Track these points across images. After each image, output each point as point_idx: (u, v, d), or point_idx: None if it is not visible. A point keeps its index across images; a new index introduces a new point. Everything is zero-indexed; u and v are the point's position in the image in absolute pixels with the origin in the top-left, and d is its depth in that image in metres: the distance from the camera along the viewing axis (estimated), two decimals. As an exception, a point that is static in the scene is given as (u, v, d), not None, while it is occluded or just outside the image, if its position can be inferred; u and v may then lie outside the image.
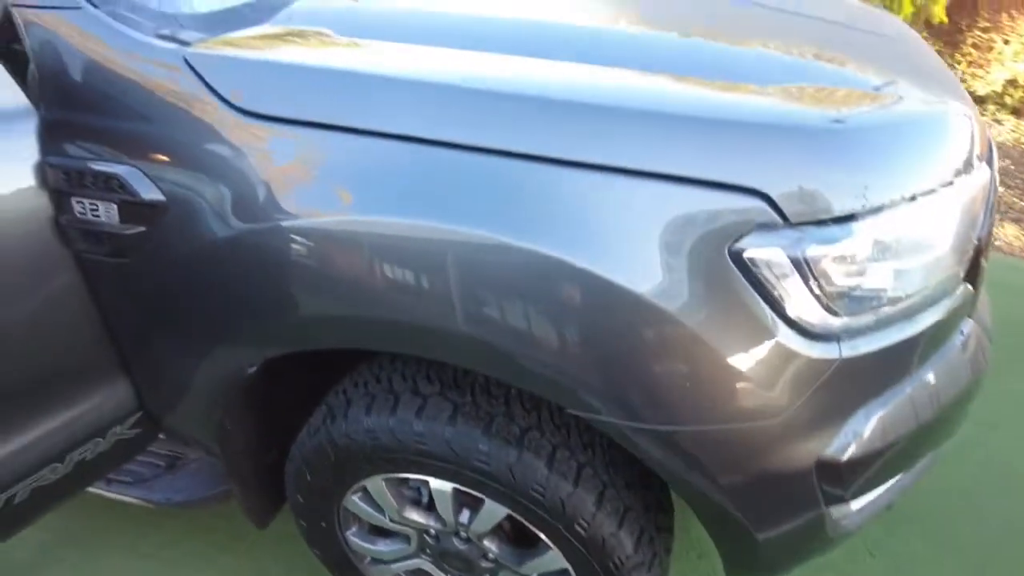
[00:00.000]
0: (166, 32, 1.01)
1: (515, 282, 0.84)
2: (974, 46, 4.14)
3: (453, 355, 0.96)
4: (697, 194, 0.81)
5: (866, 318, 0.88)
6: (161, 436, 1.41)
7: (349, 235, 0.91)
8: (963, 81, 4.02)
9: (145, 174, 0.99)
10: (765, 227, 0.81)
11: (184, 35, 1.01)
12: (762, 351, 0.84)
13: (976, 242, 1.00)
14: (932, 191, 0.91)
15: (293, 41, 1.03)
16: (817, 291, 0.84)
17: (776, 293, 0.83)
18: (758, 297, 0.82)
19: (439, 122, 0.86)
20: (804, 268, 0.82)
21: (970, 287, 1.03)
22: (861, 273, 0.85)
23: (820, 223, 0.82)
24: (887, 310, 0.90)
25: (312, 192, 0.93)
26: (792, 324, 0.84)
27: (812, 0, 1.49)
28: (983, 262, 1.04)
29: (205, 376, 1.13)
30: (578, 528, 1.06)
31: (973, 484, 1.89)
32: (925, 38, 4.18)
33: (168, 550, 1.71)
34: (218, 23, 1.07)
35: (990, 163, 1.06)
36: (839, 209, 0.83)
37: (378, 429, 1.10)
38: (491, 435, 1.05)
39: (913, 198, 0.88)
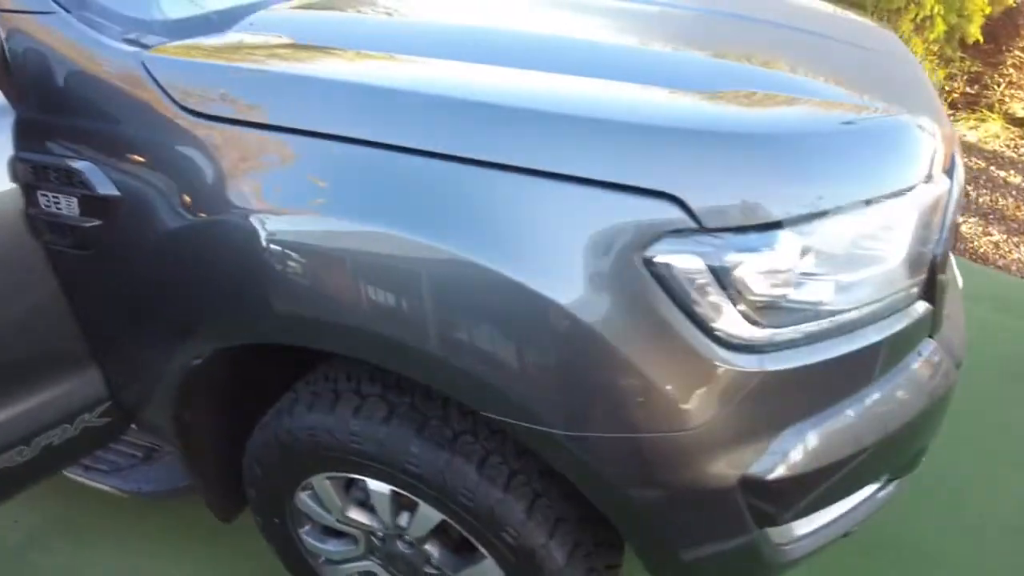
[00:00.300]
0: (132, 36, 1.06)
1: (426, 281, 0.85)
2: (1014, 66, 3.98)
3: (370, 353, 0.97)
4: (610, 198, 0.79)
5: (795, 331, 0.85)
6: (133, 427, 1.46)
7: (276, 231, 0.93)
8: (1002, 102, 3.87)
9: (102, 170, 1.04)
10: (679, 233, 0.79)
11: (148, 40, 1.06)
12: (677, 360, 0.82)
13: (932, 258, 0.95)
14: (873, 202, 0.87)
15: (249, 47, 1.07)
16: (737, 301, 0.81)
17: (692, 301, 0.80)
18: (673, 305, 0.80)
19: (360, 122, 0.88)
20: (722, 276, 0.80)
21: (928, 305, 0.99)
22: (787, 284, 0.82)
23: (740, 230, 0.80)
24: (821, 324, 0.86)
25: (249, 190, 0.96)
26: (710, 334, 0.81)
27: (797, 12, 1.47)
28: (942, 279, 0.99)
29: (159, 367, 1.17)
30: (506, 536, 1.04)
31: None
32: (961, 59, 4.05)
33: (151, 541, 1.75)
34: (185, 29, 1.12)
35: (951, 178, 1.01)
36: (762, 217, 0.80)
37: (317, 427, 1.12)
38: (423, 437, 1.04)
39: (849, 208, 0.85)
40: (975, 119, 3.99)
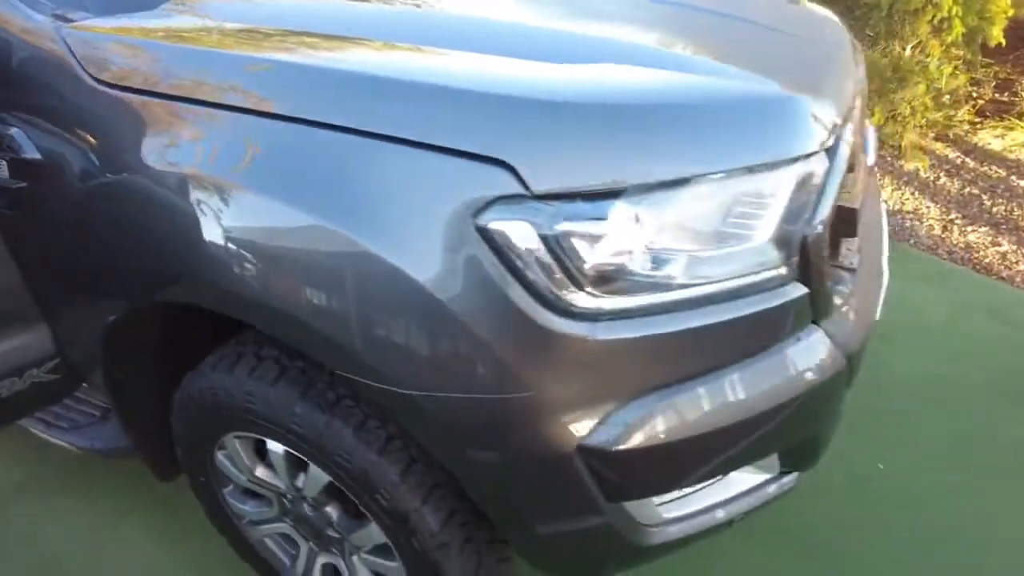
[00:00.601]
0: (60, 12, 1.15)
1: (283, 242, 0.89)
2: (1047, 73, 3.78)
3: (245, 314, 1.02)
4: (446, 163, 0.82)
5: (632, 301, 0.85)
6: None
7: (166, 194, 0.99)
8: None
9: (27, 135, 1.13)
10: (510, 199, 0.81)
11: (76, 16, 1.15)
12: (511, 325, 0.83)
13: (803, 239, 0.93)
14: (728, 176, 0.87)
15: (162, 25, 1.14)
16: (569, 269, 0.82)
17: (524, 267, 0.82)
18: (505, 271, 0.82)
19: (236, 91, 0.93)
20: (553, 244, 0.81)
21: (804, 289, 0.97)
22: (622, 254, 0.83)
23: (572, 199, 0.81)
24: (664, 296, 0.86)
25: (147, 155, 1.02)
26: (542, 300, 0.82)
27: None
28: (818, 262, 0.96)
29: (86, 324, 1.25)
30: (380, 499, 1.07)
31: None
32: (984, 64, 3.87)
33: (116, 497, 1.85)
34: (115, 6, 1.20)
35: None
36: (595, 186, 0.81)
37: (219, 386, 1.17)
38: (307, 400, 1.09)
39: (697, 181, 0.85)
40: (1003, 127, 3.81)
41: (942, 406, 2.07)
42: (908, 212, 3.27)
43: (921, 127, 3.77)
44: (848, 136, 1.03)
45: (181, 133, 0.99)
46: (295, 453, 1.17)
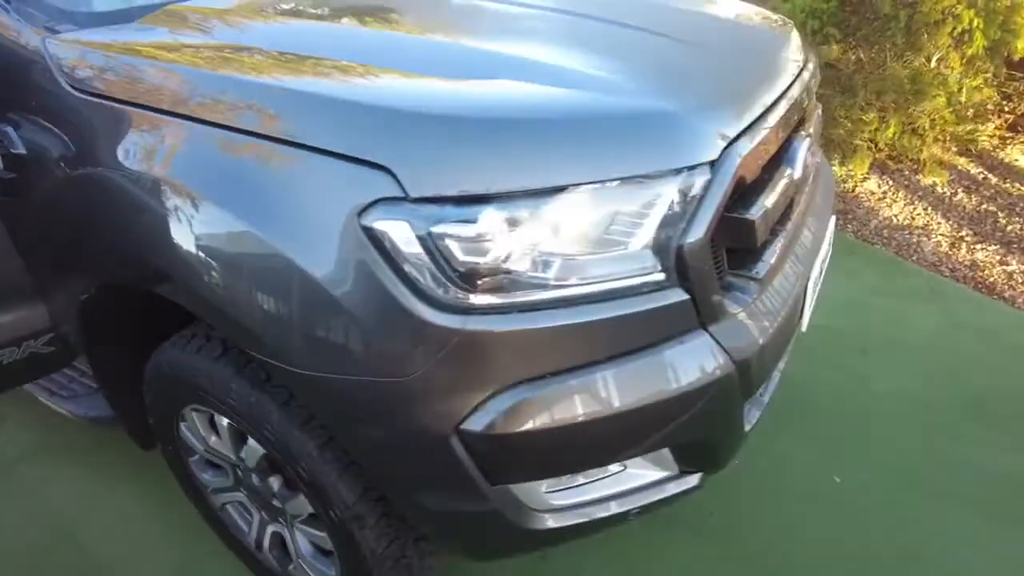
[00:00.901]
0: (51, 25, 1.29)
1: (197, 232, 1.01)
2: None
3: (180, 296, 1.13)
4: (336, 166, 0.92)
5: (504, 297, 0.92)
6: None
7: (120, 188, 1.13)
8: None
9: (17, 132, 1.28)
10: (390, 201, 0.89)
11: (63, 28, 1.29)
12: (391, 316, 0.92)
13: (679, 248, 0.99)
14: (601, 186, 0.94)
15: (129, 40, 1.27)
16: (443, 266, 0.90)
17: (401, 263, 0.90)
18: (385, 265, 0.91)
19: (176, 100, 1.06)
20: (428, 243, 0.90)
21: (685, 295, 1.02)
22: (493, 254, 0.90)
23: (445, 202, 0.89)
24: (536, 294, 0.93)
25: (107, 153, 1.16)
26: (418, 293, 0.91)
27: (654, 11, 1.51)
28: (698, 271, 1.01)
29: (67, 301, 1.40)
30: (302, 471, 1.17)
31: None
32: (1011, 76, 3.74)
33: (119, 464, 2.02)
34: (99, 20, 1.34)
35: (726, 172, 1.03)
36: (467, 191, 0.89)
37: (175, 361, 1.30)
38: (242, 376, 1.20)
39: (571, 189, 0.92)
40: (1032, 142, 3.68)
41: (911, 423, 2.05)
42: (917, 227, 3.20)
43: (943, 141, 3.68)
44: (748, 147, 1.07)
45: (129, 134, 1.13)
46: (236, 426, 1.29)
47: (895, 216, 3.32)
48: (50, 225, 1.31)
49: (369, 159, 0.90)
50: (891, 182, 3.60)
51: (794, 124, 1.33)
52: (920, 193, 3.48)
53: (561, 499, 1.09)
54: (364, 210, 0.90)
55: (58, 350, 1.68)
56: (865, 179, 3.64)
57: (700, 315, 1.05)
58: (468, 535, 1.12)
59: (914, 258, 2.97)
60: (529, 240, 0.92)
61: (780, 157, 1.30)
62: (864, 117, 3.57)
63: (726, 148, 1.03)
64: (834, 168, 3.73)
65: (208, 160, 1.01)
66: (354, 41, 1.19)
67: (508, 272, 0.92)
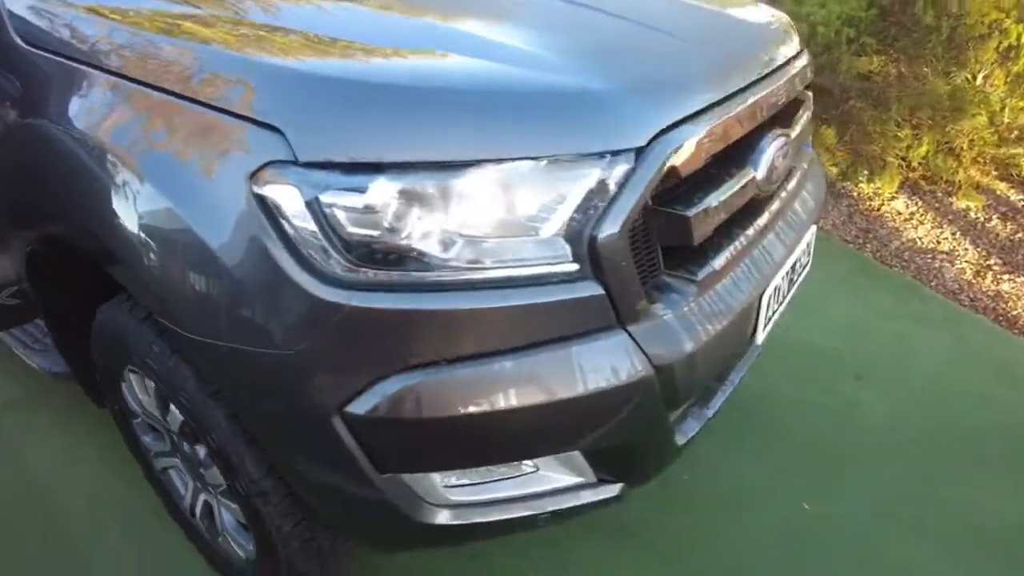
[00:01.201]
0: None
1: (109, 187, 1.00)
2: None
3: (95, 254, 1.12)
4: (230, 124, 0.89)
5: (394, 275, 0.88)
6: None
7: (58, 140, 1.12)
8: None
9: (-20, 84, 1.30)
10: (280, 165, 0.86)
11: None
12: (276, 284, 0.88)
13: (591, 239, 0.92)
14: (509, 164, 0.88)
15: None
16: (330, 236, 0.86)
17: (288, 229, 0.87)
18: (272, 230, 0.87)
19: (112, 57, 1.05)
20: (317, 211, 0.86)
21: (600, 290, 0.95)
22: (382, 227, 0.86)
23: (335, 169, 0.85)
24: (432, 275, 0.89)
25: (50, 106, 1.16)
26: (303, 263, 0.87)
27: None
28: (613, 265, 0.94)
29: (15, 254, 1.42)
30: (212, 441, 1.15)
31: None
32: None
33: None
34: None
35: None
36: (359, 157, 0.85)
37: (112, 320, 1.30)
38: (162, 339, 1.19)
39: (478, 165, 0.87)
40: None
41: (898, 456, 1.92)
42: (941, 252, 3.01)
43: (981, 163, 3.46)
44: (686, 138, 0.99)
45: (58, 89, 1.12)
46: (160, 391, 1.28)
47: (920, 239, 3.14)
48: (8, 176, 1.33)
49: (262, 120, 0.87)
50: (921, 203, 3.41)
51: (763, 121, 1.25)
52: (951, 217, 3.29)
53: (461, 495, 1.04)
54: (255, 172, 0.87)
55: (23, 303, 1.71)
56: (893, 198, 3.46)
57: (618, 312, 0.99)
58: (361, 523, 1.08)
59: (933, 284, 2.80)
60: (427, 216, 0.87)
61: (742, 155, 1.22)
62: (898, 133, 3.39)
63: (656, 137, 0.96)
64: (861, 185, 3.56)
65: (120, 116, 1.00)
66: (282, 6, 1.16)
67: (401, 248, 0.87)
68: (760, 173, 1.22)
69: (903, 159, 3.43)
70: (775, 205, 1.35)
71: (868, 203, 3.45)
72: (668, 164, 0.97)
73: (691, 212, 1.03)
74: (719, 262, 1.14)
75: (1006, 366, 2.27)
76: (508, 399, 0.94)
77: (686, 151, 0.99)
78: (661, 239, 1.06)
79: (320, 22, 1.07)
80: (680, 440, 1.18)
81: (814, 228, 1.50)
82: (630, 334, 1.00)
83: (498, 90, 0.91)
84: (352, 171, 0.85)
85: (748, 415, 2.04)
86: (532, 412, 0.96)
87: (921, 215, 3.31)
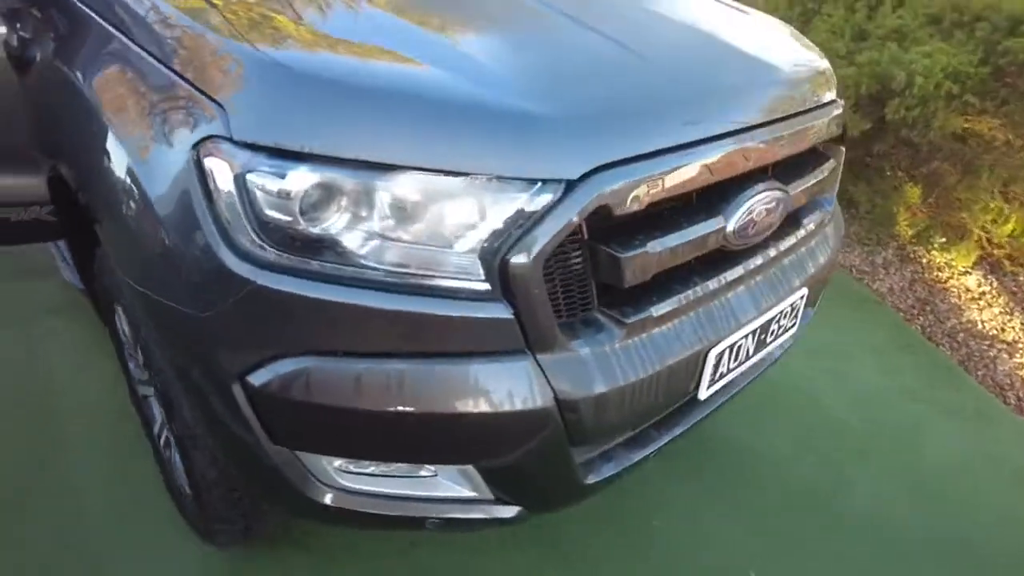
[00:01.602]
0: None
1: (86, 131, 1.09)
2: None
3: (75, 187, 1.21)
4: (185, 91, 0.94)
5: (304, 261, 0.91)
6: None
7: (49, 78, 1.24)
8: None
9: (24, 21, 1.44)
10: (219, 140, 0.90)
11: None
12: (199, 249, 0.93)
13: (503, 262, 0.92)
14: (430, 174, 0.89)
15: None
16: (249, 214, 0.90)
17: (217, 201, 0.91)
18: (204, 199, 0.92)
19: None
20: (242, 188, 0.90)
21: (508, 313, 0.95)
22: (296, 214, 0.89)
23: (261, 150, 0.89)
24: (339, 268, 0.91)
25: (66, 46, 1.27)
26: (224, 235, 0.92)
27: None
28: (524, 292, 0.93)
29: (42, 174, 1.56)
30: (156, 383, 1.23)
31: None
32: None
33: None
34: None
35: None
36: (283, 144, 0.88)
37: (102, 255, 1.41)
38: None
39: (399, 170, 0.89)
40: None
41: (875, 545, 1.78)
42: (1002, 341, 2.75)
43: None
44: (628, 178, 0.97)
45: (70, 33, 1.23)
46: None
47: (982, 322, 2.87)
48: (31, 104, 1.47)
49: (211, 94, 0.92)
50: (996, 284, 3.11)
51: (750, 170, 1.19)
52: (1028, 304, 2.99)
53: (352, 481, 1.07)
54: (200, 142, 0.92)
55: (59, 221, 1.88)
56: (966, 273, 3.18)
57: (527, 339, 0.98)
58: (258, 485, 1.13)
59: (980, 373, 2.56)
60: (343, 211, 0.90)
61: (716, 202, 1.17)
62: (986, 204, 3.11)
63: (592, 173, 0.94)
64: (934, 252, 3.29)
65: (109, 68, 1.08)
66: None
67: (312, 237, 0.90)
68: (731, 226, 1.16)
69: (986, 233, 3.15)
70: (755, 260, 1.29)
71: (936, 273, 3.19)
72: (599, 203, 0.94)
73: (625, 253, 1.00)
74: (661, 308, 1.10)
75: (1028, 478, 2.05)
76: (397, 402, 0.95)
77: (625, 192, 0.97)
78: (596, 275, 1.04)
79: (299, 6, 1.11)
80: (591, 479, 1.15)
81: (804, 291, 1.41)
82: (537, 363, 0.99)
83: (434, 100, 0.92)
84: (275, 156, 0.88)
85: (734, 470, 1.96)
86: (420, 419, 0.97)
87: (992, 297, 3.03)
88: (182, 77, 0.96)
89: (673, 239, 1.07)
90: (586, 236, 1.00)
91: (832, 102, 1.46)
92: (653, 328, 1.10)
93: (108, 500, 1.69)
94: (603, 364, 1.04)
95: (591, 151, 0.95)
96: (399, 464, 1.07)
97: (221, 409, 1.02)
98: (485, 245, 0.93)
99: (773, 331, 1.37)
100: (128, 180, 1.00)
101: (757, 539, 1.77)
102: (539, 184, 0.92)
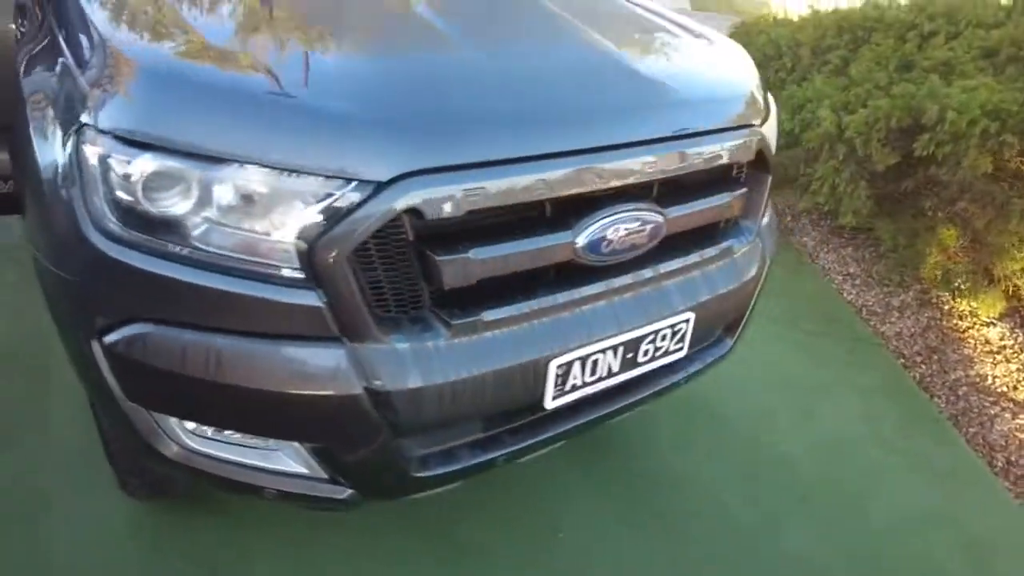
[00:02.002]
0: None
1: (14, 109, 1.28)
2: None
3: None
4: (79, 82, 1.09)
5: (147, 239, 1.03)
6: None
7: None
8: None
9: None
10: (90, 127, 1.04)
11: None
12: (70, 220, 1.07)
13: (309, 251, 1.00)
14: (257, 167, 0.99)
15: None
16: (107, 194, 1.03)
17: (87, 179, 1.05)
18: (78, 176, 1.06)
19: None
20: (104, 170, 1.03)
21: (319, 301, 1.03)
22: (139, 198, 1.01)
23: (116, 138, 1.02)
24: (174, 247, 1.03)
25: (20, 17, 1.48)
26: (89, 210, 1.05)
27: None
28: (332, 284, 1.01)
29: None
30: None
31: None
32: None
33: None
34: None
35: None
36: (131, 132, 1.01)
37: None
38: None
39: (228, 162, 0.99)
40: None
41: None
42: (1011, 400, 2.52)
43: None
44: (450, 185, 1.03)
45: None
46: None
47: (994, 378, 2.65)
48: None
49: (88, 85, 1.07)
50: (1022, 338, 2.86)
51: (617, 187, 1.21)
52: (1053, 364, 2.73)
53: (196, 442, 1.17)
54: (78, 128, 1.07)
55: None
56: (990, 324, 2.94)
57: (343, 328, 1.06)
58: (122, 435, 1.25)
59: (971, 431, 2.37)
60: (178, 196, 1.01)
61: (570, 216, 1.20)
62: (1017, 251, 2.88)
63: (403, 177, 1.01)
64: (959, 300, 3.07)
65: (38, 50, 1.27)
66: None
67: (153, 218, 1.02)
68: (580, 241, 1.19)
69: (1014, 282, 2.91)
70: (624, 279, 1.30)
71: (955, 321, 2.97)
72: (408, 206, 1.01)
73: (443, 257, 1.06)
74: (496, 313, 1.15)
75: (981, 546, 1.88)
76: (217, 374, 1.06)
77: (438, 199, 1.02)
78: (424, 275, 1.10)
79: (176, 6, 1.26)
80: (420, 472, 1.20)
81: (689, 316, 1.40)
82: (351, 352, 1.07)
83: (260, 101, 1.02)
84: (126, 143, 1.01)
85: (661, 495, 1.93)
86: (239, 392, 1.07)
87: (1013, 352, 2.79)
88: (75, 68, 1.13)
89: (504, 248, 1.12)
90: (411, 237, 1.07)
91: (745, 127, 1.45)
92: (485, 331, 1.15)
93: (68, 445, 1.88)
94: (422, 360, 1.10)
95: (404, 156, 1.02)
96: (235, 433, 1.17)
97: (88, 365, 1.16)
98: (300, 236, 1.01)
99: (647, 352, 1.37)
100: (33, 159, 1.17)
101: (660, 567, 1.74)
102: (353, 183, 1.00)
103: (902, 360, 2.73)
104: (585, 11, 1.58)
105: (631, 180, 1.24)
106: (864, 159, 3.32)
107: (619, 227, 1.23)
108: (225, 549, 1.62)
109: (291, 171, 1.00)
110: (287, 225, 1.02)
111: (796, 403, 2.37)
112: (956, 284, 3.04)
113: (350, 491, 1.21)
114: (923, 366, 2.70)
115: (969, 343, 2.85)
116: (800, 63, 4.15)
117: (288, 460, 1.20)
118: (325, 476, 1.20)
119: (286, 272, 1.03)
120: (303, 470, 1.19)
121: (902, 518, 1.96)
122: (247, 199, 1.01)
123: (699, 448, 2.10)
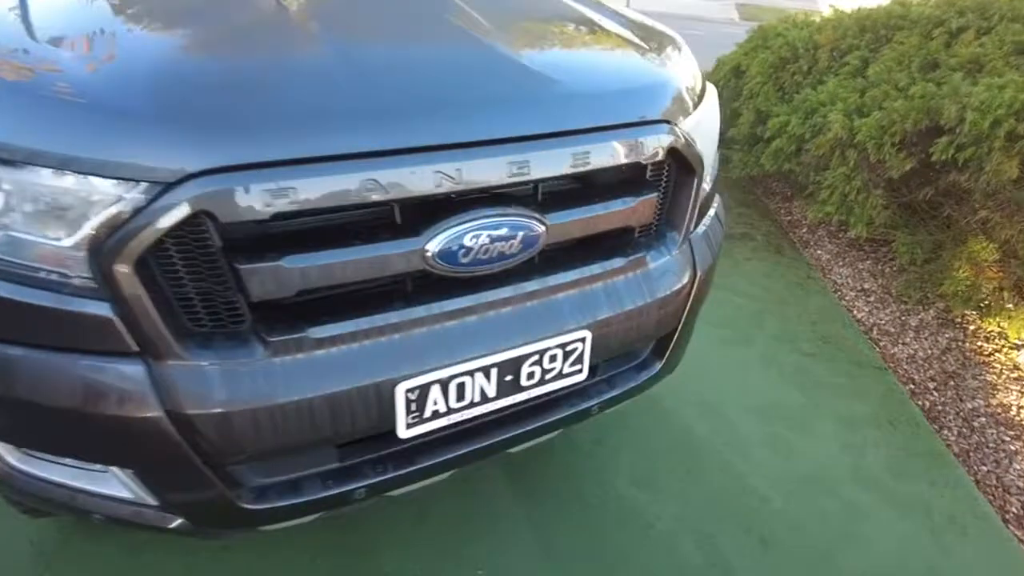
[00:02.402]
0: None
1: None
2: None
3: None
4: None
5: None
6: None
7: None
8: None
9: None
10: None
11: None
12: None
13: (102, 261, 0.91)
14: (44, 168, 0.90)
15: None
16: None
17: None
18: None
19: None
20: None
21: (110, 313, 0.93)
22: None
23: None
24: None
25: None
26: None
27: None
28: (125, 290, 0.92)
29: None
30: None
31: None
32: None
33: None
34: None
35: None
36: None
37: None
38: None
39: (17, 163, 0.91)
40: None
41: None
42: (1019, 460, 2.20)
43: None
44: (245, 187, 0.91)
45: None
46: None
47: (1018, 408, 2.32)
48: None
49: None
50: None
51: (482, 189, 1.07)
52: (1093, 396, 2.38)
53: (22, 463, 1.09)
54: None
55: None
56: (1020, 347, 2.61)
57: (140, 343, 0.95)
58: None
59: (983, 469, 2.06)
60: None
61: (420, 222, 1.06)
62: (1051, 267, 2.55)
63: (191, 177, 0.90)
64: (988, 320, 2.73)
65: None
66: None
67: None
68: (432, 249, 1.05)
69: (1047, 301, 2.57)
70: (498, 292, 1.16)
71: (980, 343, 2.65)
72: (198, 208, 0.90)
73: (246, 266, 0.95)
74: (324, 331, 1.02)
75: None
76: (6, 386, 0.97)
77: (233, 200, 0.91)
78: (238, 287, 0.99)
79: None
80: (254, 504, 1.08)
81: (585, 335, 1.23)
82: (151, 370, 0.97)
83: (49, 97, 0.93)
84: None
85: (607, 528, 1.74)
86: (32, 408, 0.98)
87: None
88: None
89: (329, 255, 0.99)
90: (219, 243, 0.96)
91: (653, 123, 1.28)
92: (314, 350, 1.02)
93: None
94: (232, 382, 0.98)
95: (195, 155, 0.91)
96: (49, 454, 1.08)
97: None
98: (88, 242, 0.92)
99: (532, 374, 1.21)
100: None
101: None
102: (141, 185, 0.90)
103: (911, 386, 2.44)
104: (492, 4, 1.46)
105: (494, 181, 1.09)
106: (877, 165, 3.04)
107: (480, 234, 1.08)
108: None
109: (79, 173, 0.91)
110: (74, 230, 0.93)
111: (776, 433, 2.13)
112: (985, 301, 2.72)
113: (180, 520, 1.10)
114: (935, 393, 2.40)
115: (994, 368, 2.53)
116: (817, 65, 3.88)
117: (120, 484, 1.10)
118: (152, 502, 1.10)
119: (75, 281, 0.94)
120: (127, 495, 1.10)
121: (889, 561, 1.70)
122: (31, 202, 0.93)
123: (660, 480, 1.90)
